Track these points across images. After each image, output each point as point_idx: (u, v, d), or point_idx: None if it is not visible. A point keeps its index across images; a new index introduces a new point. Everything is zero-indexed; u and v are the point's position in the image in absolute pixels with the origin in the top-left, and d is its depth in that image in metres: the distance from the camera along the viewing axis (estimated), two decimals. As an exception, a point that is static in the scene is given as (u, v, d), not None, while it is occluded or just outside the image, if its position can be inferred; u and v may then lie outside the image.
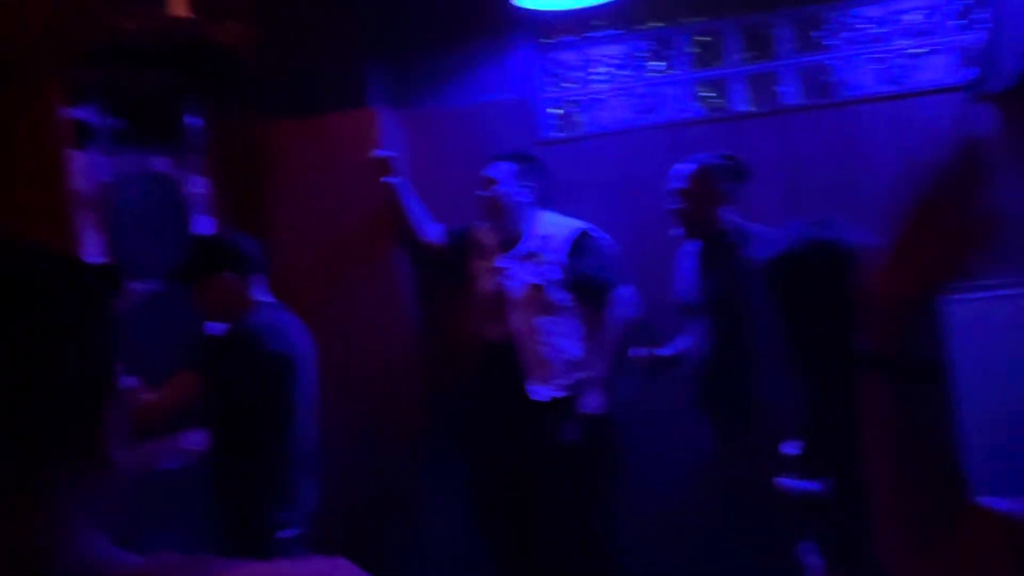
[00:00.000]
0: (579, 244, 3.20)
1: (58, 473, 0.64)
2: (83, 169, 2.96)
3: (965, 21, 3.36)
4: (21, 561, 0.61)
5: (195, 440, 2.48)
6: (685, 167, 3.02)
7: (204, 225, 3.38)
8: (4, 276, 0.64)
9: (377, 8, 3.57)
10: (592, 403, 3.11)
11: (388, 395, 3.44)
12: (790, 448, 1.77)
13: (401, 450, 3.43)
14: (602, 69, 3.67)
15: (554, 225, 3.25)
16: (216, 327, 2.59)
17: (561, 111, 3.69)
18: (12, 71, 2.81)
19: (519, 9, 3.38)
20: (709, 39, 3.60)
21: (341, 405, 3.13)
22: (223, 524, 2.48)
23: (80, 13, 2.83)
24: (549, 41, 3.68)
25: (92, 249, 2.95)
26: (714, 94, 3.60)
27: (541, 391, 3.15)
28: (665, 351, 3.09)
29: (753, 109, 3.53)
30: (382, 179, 3.32)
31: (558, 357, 3.15)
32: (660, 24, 3.61)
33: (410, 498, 3.42)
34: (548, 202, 3.32)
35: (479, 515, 3.35)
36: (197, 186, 3.42)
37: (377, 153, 3.34)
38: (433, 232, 3.42)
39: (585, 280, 3.16)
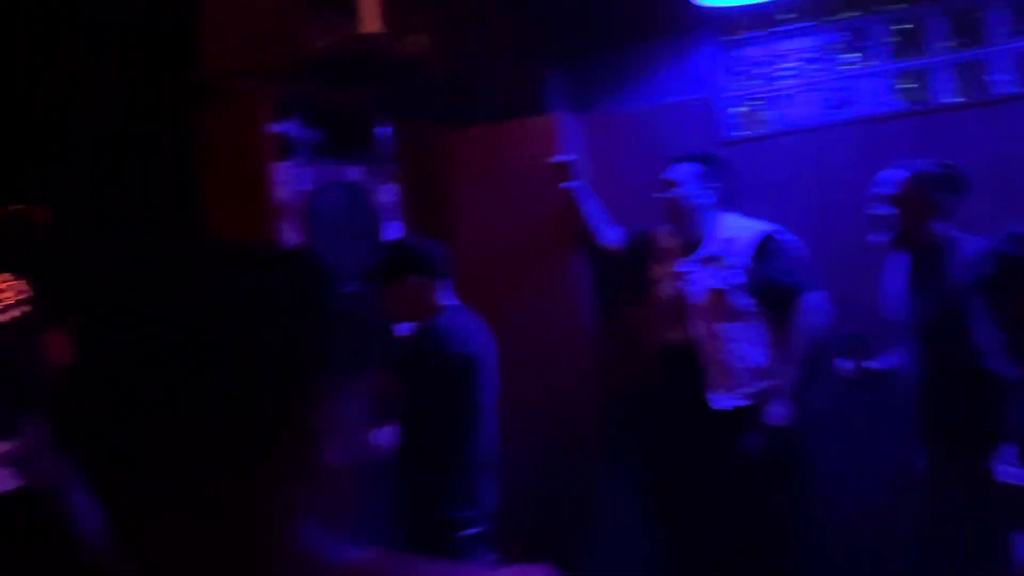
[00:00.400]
0: (765, 247, 3.08)
1: (279, 467, 0.63)
2: (286, 179, 3.17)
3: None
4: (245, 556, 0.62)
5: (387, 436, 2.59)
6: (897, 172, 2.77)
7: (394, 231, 3.53)
8: (242, 275, 0.65)
9: (557, 14, 3.60)
10: (778, 414, 2.98)
11: (567, 398, 3.45)
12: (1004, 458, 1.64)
13: (580, 452, 3.44)
14: (789, 64, 3.52)
15: (738, 228, 3.15)
16: (405, 329, 2.69)
17: (746, 109, 3.57)
18: (223, 90, 3.06)
19: (701, 7, 3.30)
20: (910, 27, 3.36)
21: (521, 407, 3.18)
22: (407, 520, 2.57)
23: (282, 34, 3.04)
24: (733, 38, 3.57)
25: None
26: (915, 85, 3.37)
27: (723, 400, 3.05)
28: (875, 364, 2.86)
29: (959, 101, 3.27)
30: (562, 184, 3.34)
31: (741, 365, 3.05)
32: (855, 14, 3.42)
33: (588, 500, 3.42)
34: (732, 204, 3.22)
35: (656, 521, 3.30)
36: (387, 194, 3.58)
37: (556, 158, 3.37)
38: (613, 236, 3.40)
39: (771, 285, 3.04)
